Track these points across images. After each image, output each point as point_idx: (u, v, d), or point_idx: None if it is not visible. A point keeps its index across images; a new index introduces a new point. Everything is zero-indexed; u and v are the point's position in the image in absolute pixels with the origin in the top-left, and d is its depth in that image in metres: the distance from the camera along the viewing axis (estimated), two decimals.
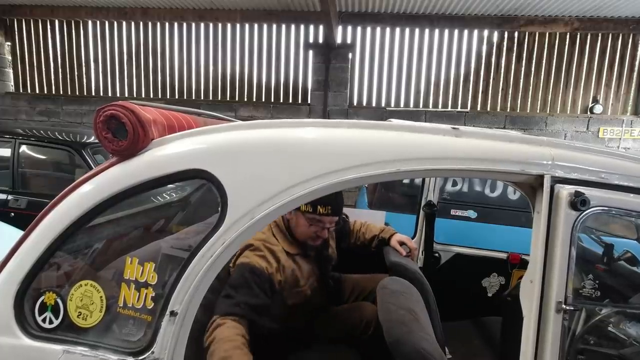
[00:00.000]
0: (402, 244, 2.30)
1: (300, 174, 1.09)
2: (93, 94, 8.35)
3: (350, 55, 7.43)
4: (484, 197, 4.38)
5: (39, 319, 1.15)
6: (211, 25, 7.85)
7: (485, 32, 7.39)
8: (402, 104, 7.73)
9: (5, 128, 5.50)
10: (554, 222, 1.07)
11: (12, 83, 8.44)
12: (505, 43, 7.42)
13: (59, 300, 1.15)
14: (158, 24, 7.98)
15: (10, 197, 4.26)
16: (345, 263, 2.35)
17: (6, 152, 4.40)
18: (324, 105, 7.46)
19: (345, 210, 2.36)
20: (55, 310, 1.15)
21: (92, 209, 1.14)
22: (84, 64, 8.27)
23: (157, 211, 1.88)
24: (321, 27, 7.45)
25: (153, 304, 1.10)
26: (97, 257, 1.23)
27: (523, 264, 2.62)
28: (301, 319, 2.00)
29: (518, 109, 7.56)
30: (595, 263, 1.54)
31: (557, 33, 7.26)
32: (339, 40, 7.41)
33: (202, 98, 8.06)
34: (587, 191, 1.06)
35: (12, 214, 4.13)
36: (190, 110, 1.48)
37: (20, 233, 1.29)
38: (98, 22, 8.10)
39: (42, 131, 4.77)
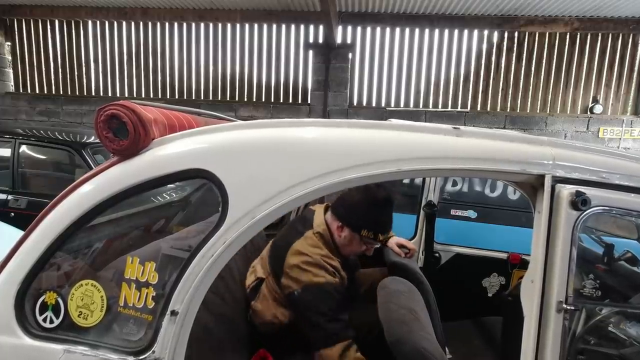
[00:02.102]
0: (400, 246, 2.33)
1: (301, 174, 1.09)
2: (93, 94, 8.35)
3: (350, 55, 7.44)
4: (484, 197, 4.38)
5: (40, 319, 1.15)
6: (211, 25, 7.85)
7: (485, 32, 7.39)
8: (402, 104, 7.73)
9: (5, 128, 5.50)
10: (555, 221, 1.07)
11: (12, 83, 8.44)
12: (505, 43, 7.43)
13: (60, 300, 1.15)
14: (158, 24, 7.98)
15: (10, 197, 4.26)
16: None
17: (6, 152, 4.40)
18: (324, 105, 7.47)
19: None
20: (55, 310, 1.15)
21: (93, 208, 1.14)
22: (84, 64, 8.27)
23: (158, 211, 1.88)
24: (321, 27, 7.45)
25: (154, 303, 1.10)
26: (97, 256, 1.23)
27: (523, 264, 2.62)
28: None
29: (518, 109, 7.56)
30: (596, 263, 1.54)
31: (557, 33, 7.26)
32: (339, 40, 7.41)
33: (202, 98, 8.06)
34: (588, 191, 1.05)
35: (12, 214, 4.12)
36: (190, 110, 1.48)
37: (20, 233, 1.29)
38: (98, 22, 8.10)
39: (42, 131, 4.77)
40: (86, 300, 1.13)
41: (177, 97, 8.10)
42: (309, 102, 7.67)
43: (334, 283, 1.78)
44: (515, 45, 7.39)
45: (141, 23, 8.00)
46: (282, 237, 2.01)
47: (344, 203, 1.96)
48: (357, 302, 2.28)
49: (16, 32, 8.32)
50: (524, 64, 7.43)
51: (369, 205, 1.89)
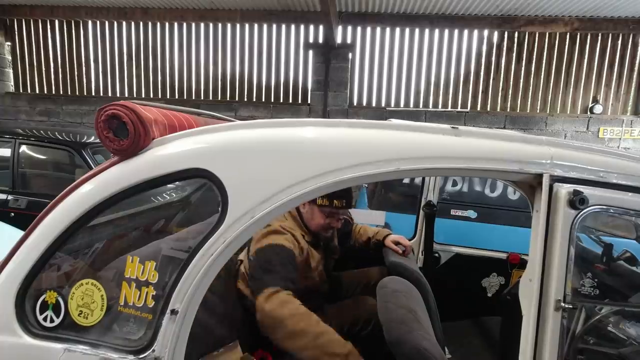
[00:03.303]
0: (396, 243, 2.34)
1: (300, 173, 1.10)
2: (93, 94, 8.35)
3: (350, 55, 7.44)
4: (484, 197, 4.38)
5: (40, 318, 1.16)
6: (211, 25, 7.85)
7: (485, 32, 7.39)
8: (402, 104, 7.74)
9: (5, 128, 5.51)
10: (553, 220, 1.07)
11: (12, 83, 8.45)
12: (505, 43, 7.43)
13: (60, 299, 1.15)
14: (158, 24, 7.98)
15: (10, 197, 4.26)
16: (346, 262, 2.37)
17: (6, 152, 4.41)
18: (324, 105, 7.47)
19: None
20: (56, 309, 1.15)
21: (93, 208, 1.15)
22: (84, 64, 8.27)
23: (158, 210, 1.88)
24: (321, 27, 7.45)
25: (154, 302, 1.10)
26: (97, 256, 1.24)
27: (523, 264, 2.62)
28: (307, 306, 2.03)
29: (518, 109, 7.56)
30: (594, 262, 1.54)
31: (557, 33, 7.26)
32: (339, 40, 7.42)
33: (202, 98, 8.06)
34: (586, 190, 1.06)
35: (12, 214, 4.13)
36: (190, 110, 1.48)
37: (20, 233, 1.29)
38: (98, 22, 8.11)
39: (42, 131, 4.77)
40: (86, 299, 1.14)
41: (177, 97, 8.11)
42: (309, 102, 7.67)
43: (285, 245, 1.83)
44: (515, 45, 7.40)
45: (141, 23, 8.00)
46: None
47: None
48: (353, 298, 2.31)
49: (16, 32, 8.32)
50: (524, 64, 7.43)
51: None
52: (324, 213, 2.02)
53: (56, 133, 4.79)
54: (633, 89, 7.34)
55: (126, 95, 8.23)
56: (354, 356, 1.55)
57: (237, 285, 2.00)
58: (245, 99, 7.97)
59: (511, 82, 7.51)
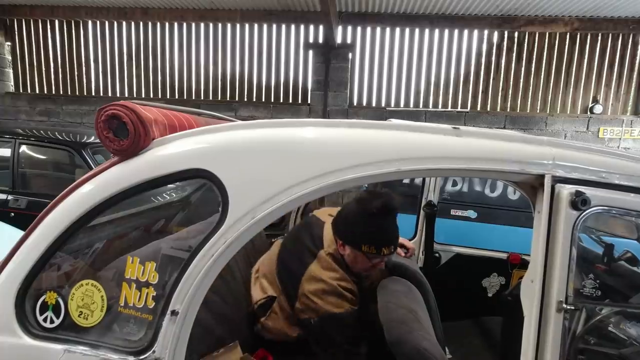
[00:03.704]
0: (400, 245, 2.32)
1: (301, 174, 1.09)
2: (93, 94, 8.35)
3: (350, 55, 7.43)
4: (484, 197, 4.38)
5: (40, 319, 1.15)
6: (211, 25, 7.84)
7: (485, 32, 7.39)
8: (402, 104, 7.73)
9: (5, 128, 5.50)
10: (555, 221, 1.07)
11: (12, 83, 8.44)
12: (505, 43, 7.43)
13: (60, 300, 1.15)
14: (158, 24, 7.97)
15: (10, 197, 4.26)
16: None
17: (6, 152, 4.41)
18: (324, 105, 7.46)
19: None
20: (56, 310, 1.15)
21: (93, 208, 1.14)
22: (84, 64, 8.27)
23: (158, 211, 1.88)
24: (321, 27, 7.45)
25: (154, 303, 1.10)
26: (98, 256, 1.23)
27: (523, 264, 2.62)
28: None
29: (518, 109, 7.56)
30: (596, 263, 1.54)
31: (557, 33, 7.26)
32: (339, 40, 7.41)
33: (202, 98, 8.06)
34: (588, 191, 1.06)
35: (12, 214, 4.13)
36: (190, 110, 1.48)
37: (20, 233, 1.29)
38: (98, 22, 8.10)
39: (42, 131, 4.77)
40: (86, 300, 1.14)
41: (177, 97, 8.10)
42: (309, 102, 7.67)
43: (350, 311, 1.73)
44: (515, 45, 7.39)
45: (141, 23, 8.00)
46: (291, 251, 1.92)
47: (340, 218, 1.86)
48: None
49: (16, 32, 8.32)
50: (524, 64, 7.43)
51: (364, 217, 1.76)
52: (370, 259, 1.80)
53: (56, 133, 4.79)
54: (633, 89, 7.33)
55: (126, 95, 8.23)
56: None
57: (264, 321, 1.87)
58: (245, 99, 7.97)
59: (511, 82, 7.51)
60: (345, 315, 1.71)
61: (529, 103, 7.54)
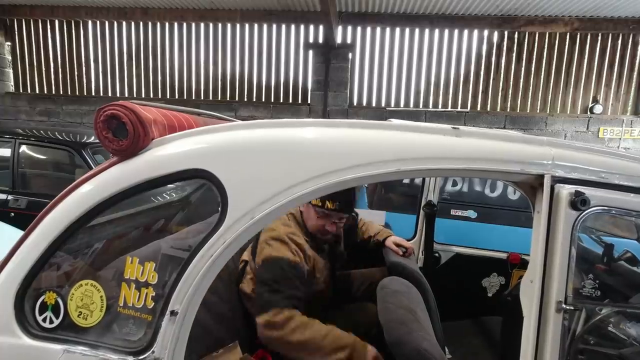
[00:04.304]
0: (398, 245, 2.34)
1: (300, 174, 1.09)
2: (93, 94, 8.35)
3: (350, 55, 7.44)
4: (484, 197, 4.38)
5: (40, 319, 1.15)
6: (211, 25, 7.85)
7: (485, 32, 7.39)
8: (402, 104, 7.74)
9: (5, 128, 5.50)
10: (554, 221, 1.07)
11: (12, 83, 8.44)
12: (505, 43, 7.43)
13: (60, 300, 1.15)
14: (158, 24, 7.98)
15: (10, 197, 4.26)
16: (347, 262, 2.37)
17: (6, 152, 4.40)
18: (324, 105, 7.47)
19: None
20: (55, 310, 1.15)
21: (93, 208, 1.14)
22: (84, 64, 8.28)
23: (157, 211, 1.88)
24: (321, 27, 7.45)
25: (153, 303, 1.10)
26: (97, 256, 1.23)
27: (523, 264, 2.62)
28: (312, 312, 2.02)
29: (518, 109, 7.56)
30: (596, 263, 1.54)
31: (557, 33, 7.26)
32: (339, 40, 7.42)
33: (202, 98, 8.06)
34: (588, 191, 1.05)
35: (12, 214, 4.13)
36: (190, 110, 1.48)
37: (20, 233, 1.29)
38: (98, 22, 8.11)
39: (42, 131, 4.77)
40: (86, 300, 1.13)
41: (177, 97, 8.11)
42: (309, 102, 7.67)
43: (291, 259, 1.80)
44: (515, 45, 7.40)
45: (141, 23, 8.00)
46: None
47: None
48: (356, 302, 2.30)
49: (16, 32, 8.32)
50: (524, 64, 7.43)
51: None
52: (316, 213, 1.95)
53: (56, 133, 4.79)
54: (633, 89, 7.34)
55: (126, 95, 8.23)
56: (359, 343, 1.67)
57: (241, 286, 1.96)
58: (245, 99, 7.97)
59: (511, 82, 7.51)
60: (282, 260, 1.78)
61: (529, 103, 7.54)
